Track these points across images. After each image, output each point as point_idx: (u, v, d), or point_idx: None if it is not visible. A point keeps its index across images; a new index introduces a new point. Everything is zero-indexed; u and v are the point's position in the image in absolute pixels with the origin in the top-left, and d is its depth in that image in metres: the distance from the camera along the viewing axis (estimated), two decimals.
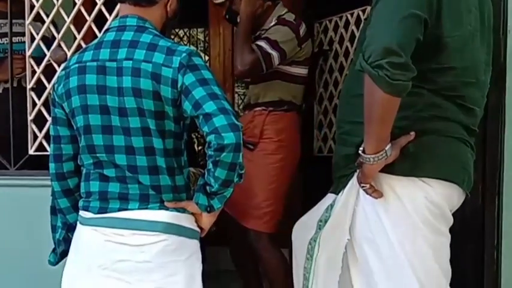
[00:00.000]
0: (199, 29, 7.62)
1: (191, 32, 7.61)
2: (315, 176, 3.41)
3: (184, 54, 2.14)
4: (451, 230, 2.35)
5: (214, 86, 2.12)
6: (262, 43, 3.25)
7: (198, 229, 2.29)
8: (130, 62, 2.14)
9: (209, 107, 2.07)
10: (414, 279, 2.23)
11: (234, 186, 2.19)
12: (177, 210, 2.22)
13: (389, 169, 2.19)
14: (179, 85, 2.12)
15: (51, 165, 2.34)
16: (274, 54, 3.24)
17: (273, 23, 3.36)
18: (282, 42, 3.27)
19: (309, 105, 3.86)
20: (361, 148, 2.19)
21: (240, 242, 3.56)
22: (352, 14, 3.53)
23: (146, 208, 2.21)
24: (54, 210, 2.41)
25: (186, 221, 2.25)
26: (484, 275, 2.90)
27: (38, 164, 3.10)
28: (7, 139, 3.23)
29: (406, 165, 2.20)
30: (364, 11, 3.45)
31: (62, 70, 2.32)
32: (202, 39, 7.66)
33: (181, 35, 7.72)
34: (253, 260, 3.60)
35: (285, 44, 3.27)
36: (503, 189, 2.83)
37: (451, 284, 2.33)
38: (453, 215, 2.36)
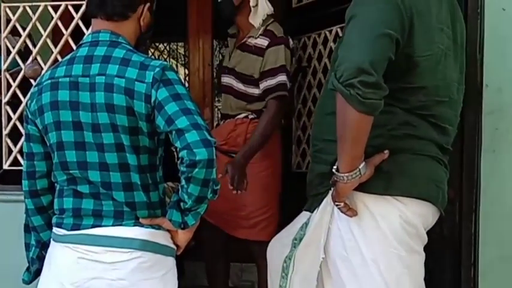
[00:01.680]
0: (180, 43, 7.64)
1: (171, 46, 7.63)
2: (293, 192, 3.42)
3: (157, 69, 2.15)
4: (428, 247, 2.36)
5: (187, 101, 2.13)
6: (283, 77, 3.33)
7: (174, 246, 2.29)
8: (103, 77, 2.14)
9: (182, 122, 2.07)
10: None
11: (208, 202, 2.18)
12: (153, 227, 2.22)
13: (363, 187, 2.20)
14: (152, 100, 2.12)
15: (24, 183, 2.33)
16: (286, 79, 3.35)
17: (260, 32, 3.41)
18: (286, 64, 3.36)
19: (287, 121, 3.88)
20: (334, 167, 2.20)
21: (215, 252, 3.58)
22: (330, 31, 3.55)
23: (121, 225, 2.20)
24: (27, 228, 2.40)
25: (161, 238, 2.24)
26: None
27: (14, 178, 3.08)
28: None
29: (380, 183, 2.21)
30: (342, 28, 3.46)
31: (35, 86, 2.33)
32: (183, 53, 7.69)
33: (162, 49, 7.74)
34: (226, 273, 3.68)
35: (288, 64, 3.37)
36: (480, 207, 2.84)
37: None
38: (431, 231, 2.38)
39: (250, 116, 3.45)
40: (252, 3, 3.41)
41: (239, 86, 3.44)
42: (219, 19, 3.41)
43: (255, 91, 3.43)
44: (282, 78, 3.34)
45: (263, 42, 3.40)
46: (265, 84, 3.36)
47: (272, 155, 3.49)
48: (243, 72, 3.45)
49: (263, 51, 3.38)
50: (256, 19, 3.43)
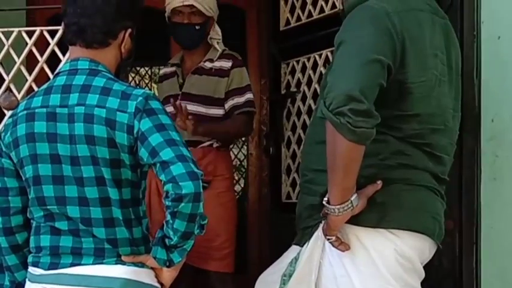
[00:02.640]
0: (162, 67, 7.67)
1: (153, 70, 7.66)
2: (283, 223, 3.47)
3: (140, 98, 2.16)
4: (427, 281, 2.39)
5: (172, 132, 2.14)
6: (251, 95, 3.64)
7: (158, 285, 2.28)
8: (83, 107, 2.15)
9: (166, 154, 2.09)
10: None
11: (195, 238, 2.19)
12: (136, 264, 2.21)
13: (356, 220, 2.22)
14: (135, 131, 2.13)
15: None
16: (253, 97, 3.66)
17: (218, 56, 3.65)
18: (250, 83, 3.64)
19: (276, 149, 3.94)
20: (325, 198, 2.21)
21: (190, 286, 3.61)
22: (320, 55, 3.59)
23: (102, 263, 2.19)
24: (1, 268, 2.37)
25: (145, 276, 2.23)
26: None
27: None
28: None
29: (374, 216, 2.24)
30: (332, 52, 3.51)
31: (9, 117, 2.33)
32: None
33: (143, 73, 7.76)
34: None
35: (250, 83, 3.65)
36: (481, 238, 2.87)
37: None
38: (429, 264, 2.40)
39: (215, 145, 3.60)
40: (217, 34, 3.68)
41: (199, 109, 3.57)
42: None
43: (219, 111, 3.63)
44: (249, 96, 3.63)
45: (226, 64, 3.65)
46: (232, 102, 3.61)
47: (233, 184, 3.85)
48: (201, 93, 3.62)
49: (227, 72, 3.63)
50: (221, 46, 3.69)
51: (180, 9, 3.60)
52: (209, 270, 3.52)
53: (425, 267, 2.38)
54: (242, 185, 6.74)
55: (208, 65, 3.65)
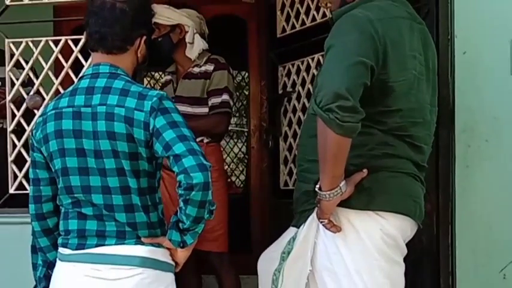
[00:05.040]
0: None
1: (165, 75, 7.65)
2: (281, 208, 3.47)
3: (155, 99, 2.17)
4: (409, 257, 2.39)
5: (183, 128, 2.15)
6: (227, 97, 3.59)
7: (172, 262, 2.29)
8: (104, 107, 2.16)
9: (179, 148, 2.10)
10: None
11: (205, 222, 2.20)
12: (153, 245, 2.22)
13: (346, 203, 2.24)
14: (151, 127, 2.14)
15: (31, 206, 2.33)
16: (229, 98, 3.62)
17: (204, 61, 3.64)
18: (229, 86, 3.62)
19: (274, 142, 3.94)
20: (317, 186, 2.23)
21: (187, 268, 3.62)
22: (313, 59, 3.58)
23: (123, 244, 2.20)
24: (34, 249, 2.39)
25: (161, 255, 2.24)
26: None
27: (19, 201, 3.10)
28: None
29: (362, 199, 2.24)
30: (323, 56, 3.51)
31: (40, 116, 2.34)
32: None
33: (157, 77, 7.77)
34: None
35: (230, 86, 3.64)
36: (455, 218, 2.87)
37: None
38: (411, 242, 2.41)
39: (206, 140, 3.60)
40: (188, 40, 3.59)
41: (187, 109, 3.56)
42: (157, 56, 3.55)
43: (204, 110, 3.63)
44: (225, 97, 3.60)
45: (209, 67, 3.64)
46: (211, 102, 3.61)
47: (223, 175, 3.84)
48: (190, 95, 3.63)
49: (209, 74, 3.62)
50: (193, 53, 3.62)
51: None
52: (209, 251, 3.51)
53: (407, 244, 2.39)
54: (245, 175, 6.76)
55: (196, 69, 3.65)
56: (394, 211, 2.28)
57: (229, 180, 7.33)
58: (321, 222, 2.27)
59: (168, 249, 2.26)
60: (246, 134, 6.37)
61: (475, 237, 2.87)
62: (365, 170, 2.23)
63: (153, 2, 2.42)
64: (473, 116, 2.84)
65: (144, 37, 2.32)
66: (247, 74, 6.00)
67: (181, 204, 2.13)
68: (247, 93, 6.50)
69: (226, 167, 7.48)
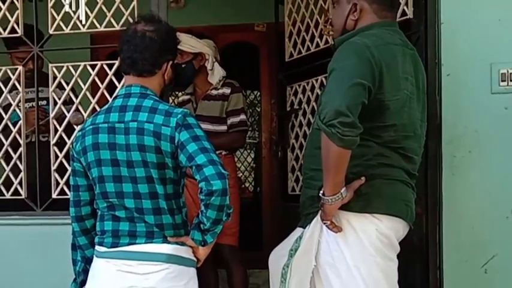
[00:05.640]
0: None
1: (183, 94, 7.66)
2: (289, 211, 3.46)
3: (180, 116, 2.18)
4: (401, 254, 2.38)
5: (204, 141, 2.16)
6: (244, 116, 3.68)
7: (194, 258, 2.29)
8: (136, 123, 2.18)
9: (200, 159, 2.11)
10: None
11: (223, 224, 2.21)
12: (177, 243, 2.23)
13: (347, 207, 2.23)
14: (176, 141, 2.15)
15: (71, 210, 2.35)
16: (246, 118, 3.69)
17: (221, 84, 3.66)
18: (244, 107, 3.68)
19: (283, 153, 3.94)
20: (321, 191, 2.22)
21: (208, 264, 3.63)
22: (317, 80, 3.58)
23: (151, 242, 2.21)
24: (74, 247, 2.40)
25: (185, 252, 2.25)
26: None
27: (60, 205, 3.12)
28: (34, 185, 3.27)
29: (360, 203, 2.24)
30: (326, 78, 3.52)
31: (79, 131, 2.35)
32: None
33: (179, 96, 7.77)
34: (217, 281, 3.78)
35: (244, 107, 3.70)
36: (442, 221, 2.85)
37: None
38: (403, 241, 2.39)
39: (224, 153, 3.60)
40: (208, 67, 3.62)
41: (208, 127, 3.56)
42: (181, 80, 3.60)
43: (223, 127, 3.66)
44: (243, 117, 3.66)
45: (226, 90, 3.67)
46: (230, 121, 3.65)
47: (237, 182, 3.91)
48: (210, 115, 3.65)
49: (227, 97, 3.66)
50: (214, 79, 3.65)
51: None
52: (222, 245, 3.50)
53: (400, 243, 2.37)
54: (257, 181, 6.74)
55: (214, 92, 3.67)
56: (388, 213, 2.28)
57: (243, 186, 7.35)
58: (324, 223, 2.27)
59: (191, 247, 2.26)
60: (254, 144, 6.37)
61: (459, 236, 2.84)
62: (363, 178, 2.23)
63: (177, 31, 2.42)
64: (458, 129, 2.81)
65: (170, 62, 2.33)
66: (259, 93, 6.04)
67: (203, 208, 2.14)
68: (259, 110, 6.51)
69: (241, 174, 7.49)
